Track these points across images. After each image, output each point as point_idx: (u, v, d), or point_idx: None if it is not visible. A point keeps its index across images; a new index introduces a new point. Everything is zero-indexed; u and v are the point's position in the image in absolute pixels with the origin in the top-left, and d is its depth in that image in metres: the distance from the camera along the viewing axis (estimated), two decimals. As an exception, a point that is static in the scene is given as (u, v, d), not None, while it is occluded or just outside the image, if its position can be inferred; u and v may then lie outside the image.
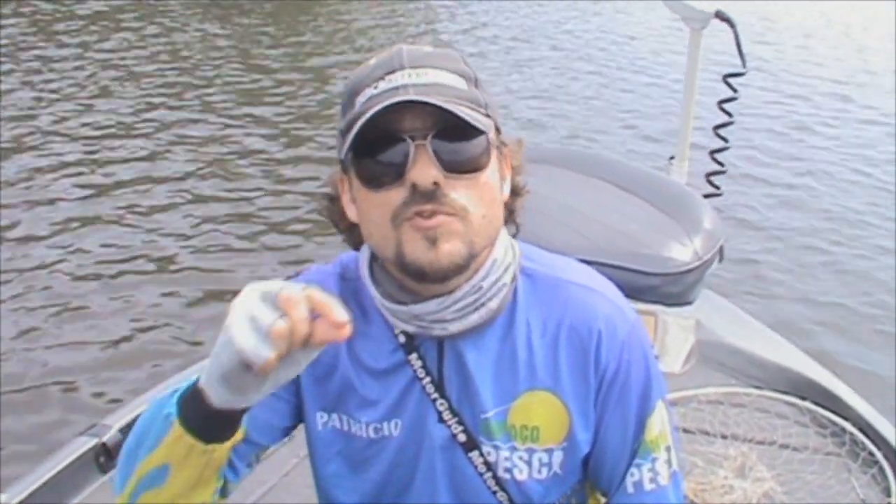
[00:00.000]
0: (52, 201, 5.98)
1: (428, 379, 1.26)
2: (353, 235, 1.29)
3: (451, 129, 1.13)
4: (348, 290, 1.32)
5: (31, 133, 7.10)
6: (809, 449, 2.68)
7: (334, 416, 1.32)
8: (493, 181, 1.19)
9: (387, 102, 1.11)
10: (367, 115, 1.12)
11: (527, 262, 1.31)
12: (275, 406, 1.32)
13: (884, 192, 7.03)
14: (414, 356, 1.26)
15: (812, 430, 2.75)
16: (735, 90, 3.09)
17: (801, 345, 3.18)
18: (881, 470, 2.57)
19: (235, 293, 1.03)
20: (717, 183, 3.26)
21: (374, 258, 1.27)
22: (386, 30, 11.45)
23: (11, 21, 10.26)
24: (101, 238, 5.56)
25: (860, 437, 2.68)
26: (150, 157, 6.80)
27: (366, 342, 1.29)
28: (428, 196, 1.12)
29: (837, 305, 5.34)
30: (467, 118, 1.12)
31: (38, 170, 6.41)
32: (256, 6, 12.03)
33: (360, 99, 1.17)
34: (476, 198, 1.16)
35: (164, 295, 4.96)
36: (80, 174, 6.42)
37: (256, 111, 7.96)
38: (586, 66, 10.21)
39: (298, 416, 1.36)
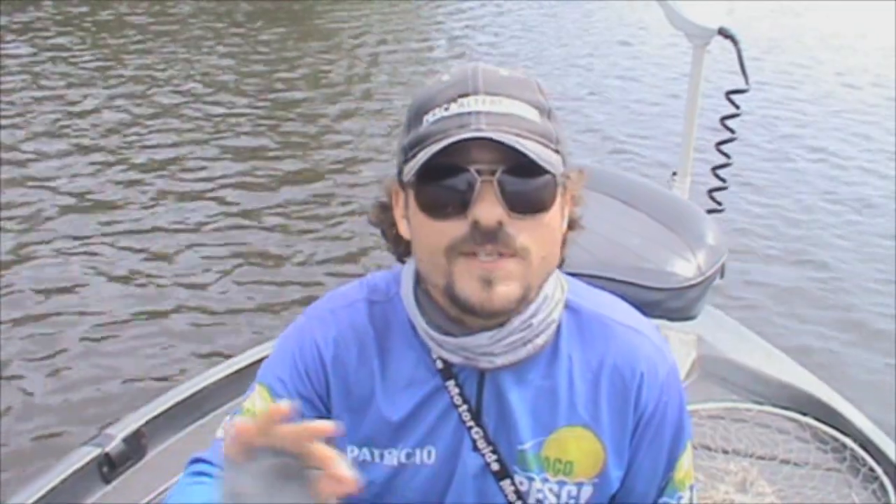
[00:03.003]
0: (71, 213, 6.02)
1: (465, 407, 1.24)
2: (399, 248, 1.26)
3: (520, 166, 1.09)
4: (377, 314, 1.29)
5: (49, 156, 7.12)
6: (810, 464, 2.68)
7: (365, 449, 1.28)
8: (555, 221, 1.16)
9: (459, 137, 1.07)
10: (442, 145, 1.08)
11: (572, 296, 1.29)
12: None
13: (888, 209, 7.04)
14: (451, 383, 1.24)
15: (813, 445, 2.76)
16: (738, 106, 3.10)
17: (801, 360, 3.18)
18: (882, 486, 2.58)
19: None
20: (718, 199, 3.27)
21: (417, 282, 1.24)
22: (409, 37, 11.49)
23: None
24: (107, 248, 5.59)
25: (861, 452, 2.68)
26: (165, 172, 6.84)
27: (400, 368, 1.27)
28: (489, 235, 1.08)
29: (838, 321, 5.34)
30: (538, 160, 1.08)
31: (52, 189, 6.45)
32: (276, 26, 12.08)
33: (429, 118, 1.12)
34: (538, 239, 1.12)
35: (172, 305, 4.98)
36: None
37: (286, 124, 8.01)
38: (588, 81, 10.24)
39: None
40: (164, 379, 4.16)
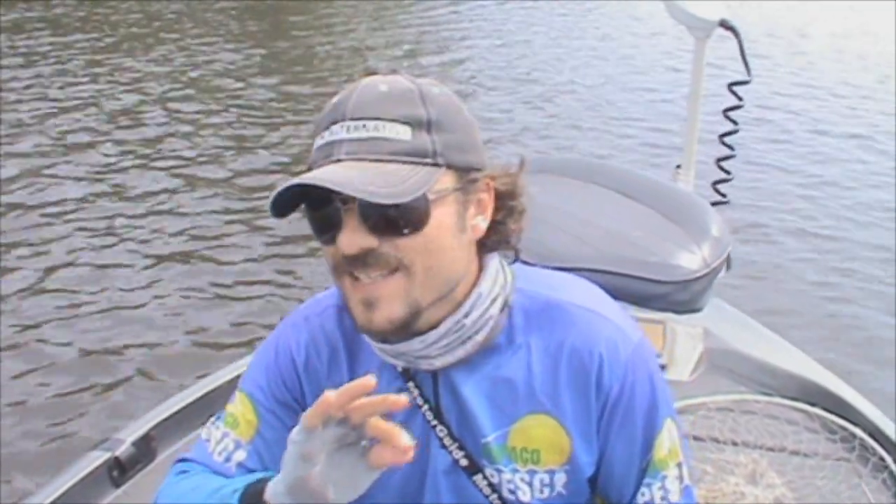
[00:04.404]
0: (77, 214, 6.04)
1: (426, 406, 1.27)
2: None
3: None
4: (348, 318, 1.31)
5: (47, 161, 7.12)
6: (819, 455, 2.67)
7: None
8: (439, 231, 1.15)
9: (303, 181, 1.09)
10: (286, 186, 1.10)
11: (525, 284, 1.29)
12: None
13: (893, 199, 7.03)
14: (412, 384, 1.27)
15: (822, 435, 2.75)
16: (740, 98, 3.09)
17: (809, 351, 3.18)
18: (892, 475, 2.57)
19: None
20: (723, 191, 3.26)
21: None
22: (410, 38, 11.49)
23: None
24: (113, 247, 5.62)
25: (870, 442, 2.68)
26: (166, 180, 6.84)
27: (367, 370, 1.28)
28: (357, 262, 1.12)
29: (846, 311, 5.34)
30: (373, 199, 1.07)
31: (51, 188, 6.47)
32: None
33: (316, 143, 1.16)
34: (418, 251, 1.13)
35: (178, 304, 5.01)
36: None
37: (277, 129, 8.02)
38: (590, 75, 10.23)
39: None
40: (175, 381, 4.16)
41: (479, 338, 1.23)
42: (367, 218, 1.11)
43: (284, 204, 1.14)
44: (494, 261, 1.26)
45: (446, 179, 1.15)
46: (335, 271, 1.16)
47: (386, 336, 1.17)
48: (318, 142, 1.15)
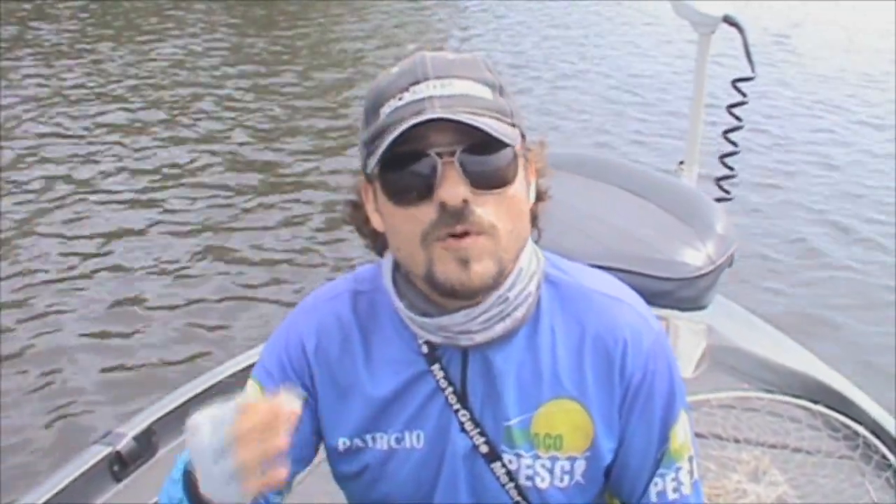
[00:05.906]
0: (80, 212, 6.02)
1: (450, 389, 1.26)
2: (376, 242, 1.28)
3: (479, 144, 1.12)
4: (363, 303, 1.32)
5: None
6: (822, 453, 2.67)
7: (356, 439, 1.31)
8: (520, 194, 1.18)
9: (416, 120, 1.10)
10: (397, 132, 1.10)
11: (552, 269, 1.31)
12: (294, 440, 1.33)
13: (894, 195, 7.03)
14: (436, 366, 1.26)
15: (825, 433, 2.75)
16: (744, 95, 3.08)
17: (812, 348, 3.17)
18: (895, 473, 2.57)
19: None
20: (726, 188, 3.25)
21: (396, 268, 1.26)
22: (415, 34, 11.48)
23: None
24: (117, 243, 5.60)
25: (873, 440, 2.68)
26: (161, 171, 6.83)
27: (385, 354, 1.29)
28: (457, 215, 1.11)
29: (849, 308, 5.33)
30: (495, 133, 1.11)
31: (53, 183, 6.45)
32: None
33: (385, 110, 1.15)
34: (503, 213, 1.15)
35: (177, 301, 4.99)
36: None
37: (282, 124, 8.03)
38: (594, 71, 10.22)
39: (319, 441, 1.36)
40: (175, 377, 4.15)
41: (519, 314, 1.23)
42: (467, 169, 1.12)
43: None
44: (528, 239, 1.27)
45: (518, 145, 1.18)
46: (424, 239, 1.14)
47: (478, 293, 1.16)
48: (396, 104, 1.14)
